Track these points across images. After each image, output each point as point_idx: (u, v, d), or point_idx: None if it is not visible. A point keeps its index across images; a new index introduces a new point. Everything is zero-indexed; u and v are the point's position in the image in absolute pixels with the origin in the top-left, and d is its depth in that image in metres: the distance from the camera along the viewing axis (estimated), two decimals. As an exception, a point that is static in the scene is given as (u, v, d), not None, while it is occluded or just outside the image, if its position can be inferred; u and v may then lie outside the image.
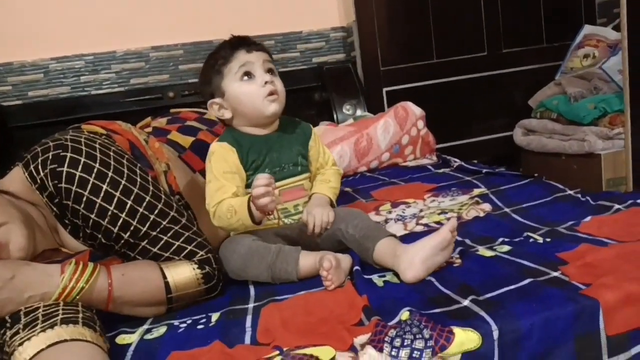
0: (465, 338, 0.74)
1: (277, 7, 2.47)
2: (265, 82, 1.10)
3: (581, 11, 2.64)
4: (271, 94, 1.10)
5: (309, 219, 1.09)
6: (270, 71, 1.13)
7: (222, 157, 1.10)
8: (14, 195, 0.96)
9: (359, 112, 2.32)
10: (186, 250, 0.97)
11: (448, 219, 1.24)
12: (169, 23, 2.36)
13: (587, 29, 2.51)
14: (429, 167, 1.84)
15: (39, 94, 2.26)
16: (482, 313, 0.78)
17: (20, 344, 0.74)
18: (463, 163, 1.76)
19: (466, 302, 0.82)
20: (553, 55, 2.56)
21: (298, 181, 1.16)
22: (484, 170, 1.62)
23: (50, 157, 0.93)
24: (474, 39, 2.51)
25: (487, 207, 1.29)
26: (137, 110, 2.22)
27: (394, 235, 1.04)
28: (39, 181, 0.94)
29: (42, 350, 0.72)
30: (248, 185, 1.11)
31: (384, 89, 2.43)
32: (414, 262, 0.93)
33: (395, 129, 1.93)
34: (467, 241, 1.09)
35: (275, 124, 1.17)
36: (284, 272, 1.02)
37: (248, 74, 1.11)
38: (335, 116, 2.35)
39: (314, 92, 2.49)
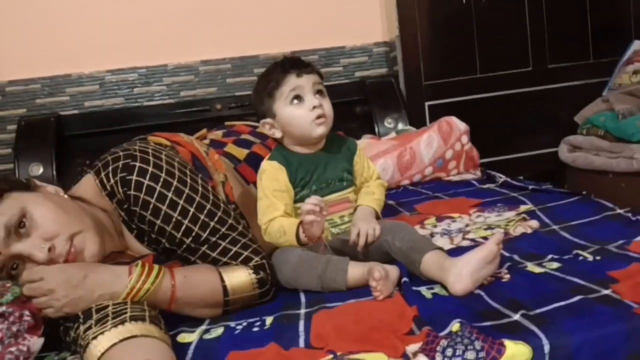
0: (517, 351, 0.75)
1: (322, 22, 2.53)
2: (314, 107, 1.14)
3: (630, 26, 2.59)
4: (319, 117, 1.15)
5: (353, 231, 1.12)
6: (319, 92, 1.17)
7: (272, 176, 1.15)
8: (85, 201, 1.04)
9: (400, 126, 2.35)
10: (242, 256, 1.02)
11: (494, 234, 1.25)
12: (217, 38, 2.45)
13: (637, 44, 2.46)
14: (473, 182, 1.84)
15: (95, 104, 2.38)
16: (533, 327, 0.79)
17: (94, 338, 0.80)
18: (508, 179, 1.76)
19: (516, 317, 0.83)
20: (600, 71, 2.53)
21: (343, 195, 1.21)
22: (530, 187, 1.61)
23: (121, 166, 1.00)
24: (518, 54, 2.50)
25: (534, 223, 1.29)
26: (186, 122, 2.31)
27: (441, 248, 1.06)
28: (109, 188, 1.01)
29: (115, 344, 0.77)
30: (297, 201, 1.16)
31: (426, 103, 2.45)
32: (462, 275, 0.95)
33: (438, 143, 1.95)
34: (516, 257, 1.10)
35: (322, 142, 1.21)
36: (332, 281, 1.05)
37: (298, 97, 1.15)
38: (377, 129, 2.38)
39: (356, 105, 2.52)
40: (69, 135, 2.25)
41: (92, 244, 0.96)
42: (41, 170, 2.09)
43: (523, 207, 1.43)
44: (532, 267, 1.03)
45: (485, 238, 1.24)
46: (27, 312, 0.89)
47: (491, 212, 1.44)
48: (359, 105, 2.51)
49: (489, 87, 2.49)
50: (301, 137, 1.17)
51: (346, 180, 1.21)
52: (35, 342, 0.89)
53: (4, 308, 0.88)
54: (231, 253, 1.02)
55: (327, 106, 1.17)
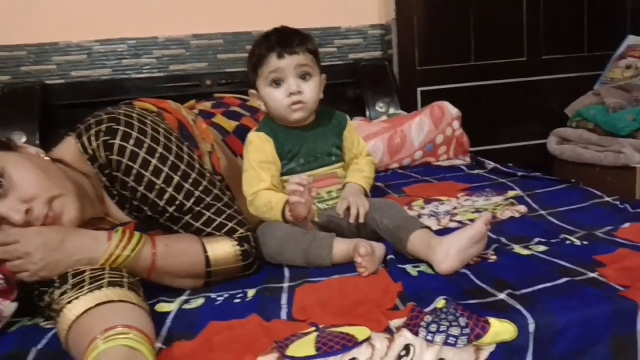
0: (501, 328, 0.74)
1: (317, 1, 2.49)
2: (291, 93, 1.11)
3: (626, 21, 2.59)
4: (295, 102, 1.11)
5: (342, 204, 1.10)
6: (303, 75, 1.13)
7: (259, 147, 1.13)
8: (66, 164, 1.00)
9: (391, 110, 2.32)
10: (227, 227, 1.00)
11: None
12: (211, 12, 2.40)
13: (631, 39, 2.46)
14: (463, 167, 1.84)
15: (82, 75, 2.32)
16: (519, 306, 0.78)
17: (69, 302, 0.77)
18: (498, 165, 1.75)
19: (502, 296, 0.83)
20: (593, 65, 2.53)
21: (331, 170, 1.19)
22: (519, 173, 1.61)
23: (104, 129, 0.96)
24: (513, 44, 2.49)
25: (522, 208, 1.28)
26: (175, 96, 2.26)
27: (429, 227, 1.05)
28: (90, 152, 0.98)
29: (90, 308, 0.75)
30: (284, 174, 1.15)
31: (419, 89, 2.43)
32: (449, 253, 0.94)
33: (430, 127, 1.93)
34: (503, 239, 1.09)
35: (312, 116, 1.19)
36: (318, 257, 1.03)
37: (276, 81, 1.12)
38: (368, 113, 2.36)
39: (348, 88, 2.50)
40: (54, 105, 2.20)
41: (71, 209, 0.92)
42: (24, 139, 2.04)
43: (511, 193, 1.42)
44: (518, 249, 1.02)
45: (473, 220, 1.22)
46: (0, 275, 0.86)
47: (479, 196, 1.43)
48: (351, 88, 2.49)
49: (482, 75, 2.48)
50: (279, 118, 1.15)
51: (335, 155, 1.19)
52: (8, 307, 0.86)
53: (-25, 270, 0.85)
54: (215, 224, 0.99)
55: (308, 91, 1.12)
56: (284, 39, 1.11)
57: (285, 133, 1.15)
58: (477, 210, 1.30)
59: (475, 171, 1.76)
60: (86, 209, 0.97)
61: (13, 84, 2.22)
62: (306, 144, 1.16)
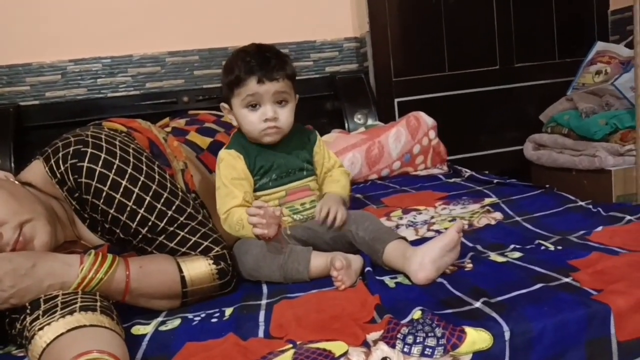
0: (477, 338, 0.75)
1: (292, 16, 2.50)
2: (266, 119, 1.10)
3: (594, 28, 2.65)
4: (271, 127, 1.11)
5: (322, 210, 1.08)
6: (280, 102, 1.13)
7: (230, 165, 1.12)
8: (35, 187, 0.99)
9: (370, 122, 2.34)
10: (202, 246, 0.99)
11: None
12: (185, 29, 2.40)
13: (600, 45, 2.52)
14: (440, 176, 1.85)
15: (56, 95, 2.29)
16: (494, 314, 0.79)
17: (41, 329, 0.76)
18: (474, 173, 1.77)
19: (477, 304, 0.83)
20: (565, 71, 2.58)
21: (303, 183, 1.18)
22: (495, 181, 1.63)
23: (71, 152, 0.95)
24: (486, 53, 2.53)
25: (498, 215, 1.30)
26: (152, 114, 2.25)
27: (404, 238, 1.05)
28: (58, 175, 0.96)
29: (61, 334, 0.73)
30: (257, 189, 1.14)
31: (396, 100, 2.45)
32: (423, 263, 0.94)
33: (406, 138, 1.95)
34: (479, 247, 1.10)
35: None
36: (295, 271, 1.03)
37: (253, 104, 1.11)
38: (346, 125, 2.37)
39: (326, 101, 2.51)
40: (28, 127, 2.17)
41: (42, 233, 0.91)
42: (-2, 162, 2.01)
43: (487, 200, 1.44)
44: (494, 256, 1.03)
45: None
46: (-31, 304, 0.84)
47: (456, 204, 1.44)
48: (329, 101, 2.50)
49: (457, 85, 2.52)
50: (251, 138, 1.15)
51: (306, 170, 1.19)
52: (-21, 336, 0.84)
53: (-57, 299, 0.83)
54: (190, 243, 0.98)
55: (284, 117, 1.13)
56: (264, 63, 1.09)
57: (256, 150, 1.15)
58: (454, 219, 1.31)
59: (453, 180, 1.78)
60: (58, 232, 0.96)
61: (-15, 106, 2.19)
62: (277, 160, 1.15)
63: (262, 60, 1.10)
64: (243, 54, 1.12)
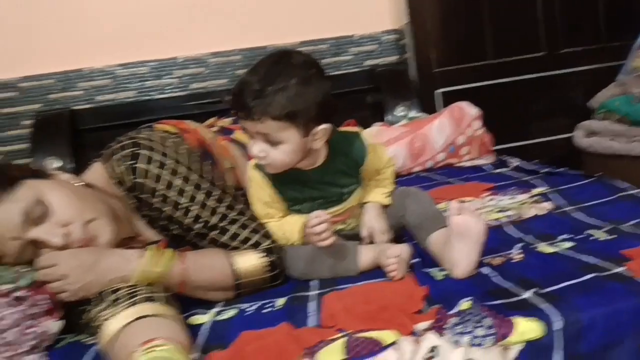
0: (528, 327, 0.75)
1: (330, 11, 2.51)
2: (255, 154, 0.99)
3: (644, 9, 2.54)
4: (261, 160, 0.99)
5: (364, 232, 1.09)
6: (269, 141, 0.96)
7: (259, 187, 1.05)
8: (96, 188, 1.05)
9: (412, 114, 2.33)
10: (252, 240, 1.03)
11: (508, 217, 1.24)
12: (226, 30, 2.44)
13: (652, 26, 2.41)
14: (486, 167, 1.83)
15: (107, 98, 2.39)
16: (544, 305, 0.78)
17: (107, 319, 0.81)
18: (522, 163, 1.74)
19: (527, 295, 0.83)
20: (614, 55, 2.47)
21: (344, 209, 1.09)
22: (544, 170, 1.60)
23: (127, 154, 1.00)
24: (531, 39, 2.46)
25: (547, 205, 1.28)
26: (197, 114, 2.31)
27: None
28: (117, 176, 1.02)
29: (128, 323, 0.78)
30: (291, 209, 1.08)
31: (438, 91, 2.43)
32: (454, 259, 0.94)
33: (450, 129, 1.93)
34: (528, 238, 1.09)
35: (321, 156, 1.04)
36: (344, 271, 1.04)
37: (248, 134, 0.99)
38: (388, 118, 2.37)
39: (367, 94, 2.51)
40: (83, 129, 2.27)
41: (105, 231, 0.97)
42: (57, 164, 2.10)
43: (536, 190, 1.41)
44: (543, 247, 1.02)
45: (498, 220, 1.23)
46: (43, 296, 0.91)
47: (504, 195, 1.42)
48: (370, 94, 2.50)
49: (502, 73, 2.46)
50: None
51: (347, 193, 1.08)
52: (53, 325, 0.91)
53: (20, 293, 0.90)
54: (241, 237, 1.02)
55: (272, 158, 0.97)
56: (240, 101, 0.94)
57: (285, 177, 1.02)
58: (502, 210, 1.30)
59: (499, 170, 1.75)
60: (119, 229, 1.01)
61: (44, 111, 2.30)
62: (311, 192, 1.05)
63: (238, 96, 0.95)
64: (239, 82, 0.98)
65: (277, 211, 1.08)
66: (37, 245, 0.94)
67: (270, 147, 0.96)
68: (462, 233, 0.93)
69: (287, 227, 1.06)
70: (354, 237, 1.11)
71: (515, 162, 1.78)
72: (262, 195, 1.06)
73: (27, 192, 0.93)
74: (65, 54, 2.33)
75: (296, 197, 1.07)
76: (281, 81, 0.93)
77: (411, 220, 1.05)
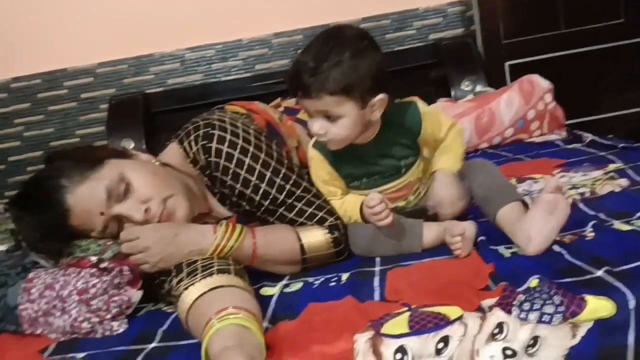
0: (599, 306, 0.73)
1: (393, -15, 2.47)
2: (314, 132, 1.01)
3: None
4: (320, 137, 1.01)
5: (432, 203, 1.07)
6: (328, 117, 0.97)
7: (319, 166, 1.09)
8: (172, 167, 1.12)
9: (478, 88, 2.26)
10: (318, 217, 1.06)
11: (581, 194, 1.19)
12: (289, 10, 2.46)
13: None
14: (558, 142, 1.76)
15: (177, 82, 2.49)
16: (617, 283, 0.76)
17: (186, 289, 0.88)
18: (596, 138, 1.65)
19: (599, 273, 0.80)
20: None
21: (403, 183, 1.08)
22: (620, 145, 1.51)
23: (201, 135, 1.06)
24: (608, 4, 2.30)
25: (623, 182, 1.21)
26: (262, 94, 2.37)
27: (520, 200, 1.01)
28: (191, 155, 1.09)
29: (204, 293, 0.84)
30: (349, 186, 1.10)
31: (507, 63, 2.33)
32: (530, 235, 0.92)
33: (520, 103, 1.86)
34: (602, 215, 1.05)
35: (376, 128, 1.04)
36: (408, 248, 1.04)
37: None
38: (453, 93, 2.31)
39: (431, 69, 2.46)
40: (155, 112, 2.39)
41: (182, 207, 1.04)
42: (132, 145, 2.23)
43: (612, 166, 1.35)
44: (619, 225, 0.98)
45: (570, 197, 1.18)
46: (126, 268, 0.99)
47: (577, 171, 1.37)
48: (434, 69, 2.45)
49: (575, 43, 2.32)
50: None
51: (405, 166, 1.07)
52: (135, 294, 0.99)
53: (106, 264, 0.99)
54: (307, 214, 1.06)
55: (333, 133, 0.98)
56: (297, 78, 0.96)
57: (339, 154, 1.04)
58: (574, 187, 1.25)
59: (572, 145, 1.68)
60: (194, 206, 1.08)
61: (118, 95, 2.44)
62: (367, 167, 1.06)
63: (295, 75, 0.97)
64: (294, 63, 1.00)
65: (337, 189, 1.10)
66: (120, 221, 1.02)
67: (330, 124, 0.98)
68: (550, 210, 0.92)
69: (347, 205, 1.09)
70: (417, 213, 1.10)
71: (589, 137, 1.70)
72: (321, 174, 1.09)
73: (110, 171, 1.01)
74: (137, 40, 2.44)
75: (353, 173, 1.08)
76: (334, 56, 0.94)
77: (479, 192, 1.03)
